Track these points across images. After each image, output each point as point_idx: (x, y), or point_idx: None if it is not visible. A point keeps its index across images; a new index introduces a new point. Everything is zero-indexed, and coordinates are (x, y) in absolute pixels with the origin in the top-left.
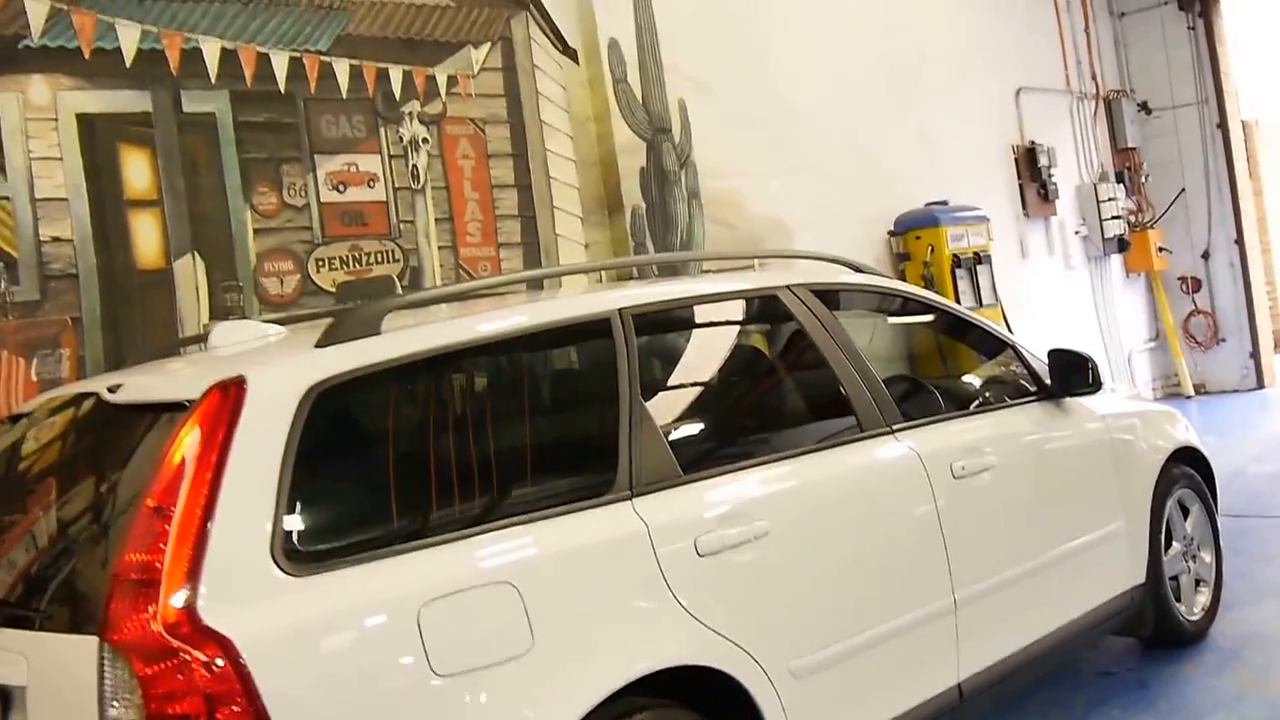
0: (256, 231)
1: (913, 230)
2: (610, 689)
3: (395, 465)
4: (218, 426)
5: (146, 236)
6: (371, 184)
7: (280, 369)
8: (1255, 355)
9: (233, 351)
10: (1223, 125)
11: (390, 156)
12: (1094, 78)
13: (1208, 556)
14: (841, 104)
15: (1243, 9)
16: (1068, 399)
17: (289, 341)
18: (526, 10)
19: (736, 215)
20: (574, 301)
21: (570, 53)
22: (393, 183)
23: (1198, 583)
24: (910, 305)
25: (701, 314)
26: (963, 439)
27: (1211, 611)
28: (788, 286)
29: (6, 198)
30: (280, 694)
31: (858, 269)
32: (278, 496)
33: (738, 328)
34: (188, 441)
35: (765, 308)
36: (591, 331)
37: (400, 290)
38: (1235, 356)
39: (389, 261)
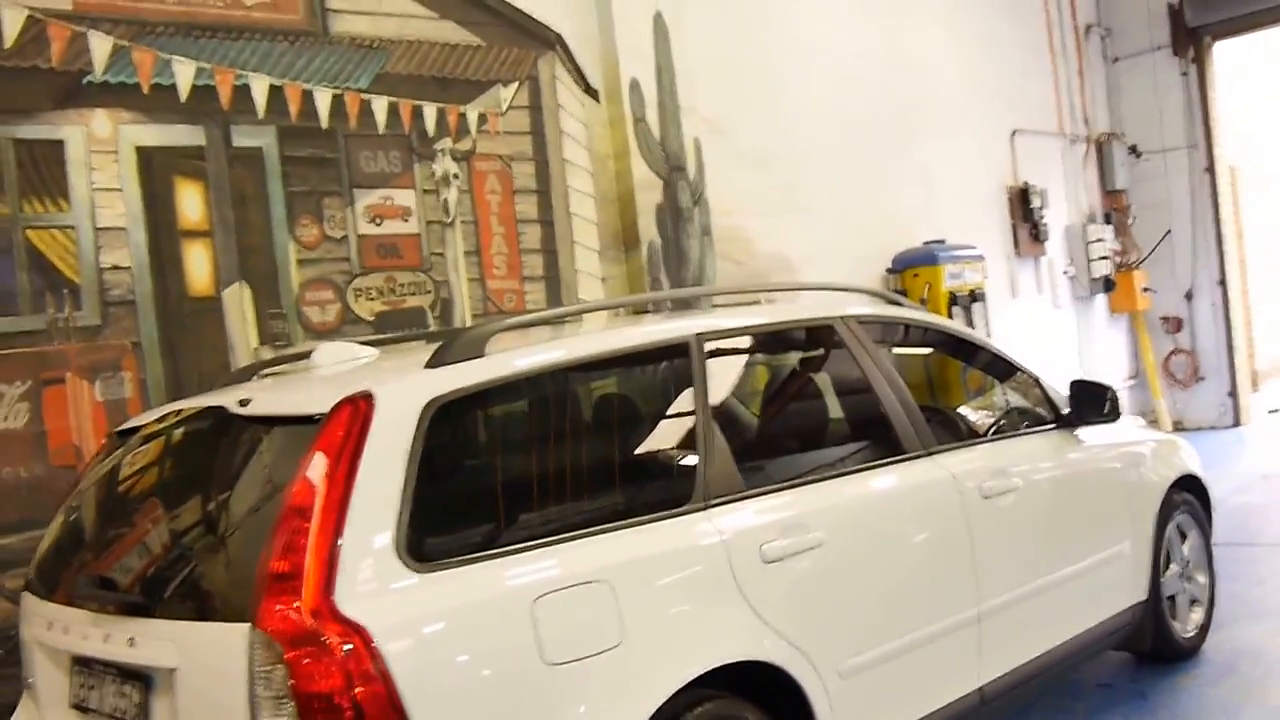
0: (299, 262)
1: (911, 268)
2: (686, 679)
3: (502, 474)
4: (349, 437)
5: (198, 265)
6: (406, 218)
7: (401, 386)
8: (1233, 394)
9: (335, 370)
10: (1211, 169)
11: (423, 191)
12: (1086, 121)
13: (1202, 578)
14: (844, 145)
15: (1229, 56)
16: (1085, 427)
17: (394, 362)
18: (553, 50)
19: (744, 252)
20: (656, 327)
21: (593, 92)
22: (425, 217)
23: (1192, 602)
24: (942, 337)
25: (766, 341)
26: (991, 462)
27: (1204, 629)
28: (841, 318)
29: (71, 226)
30: (409, 675)
31: (896, 302)
32: (402, 501)
33: (795, 354)
34: (323, 451)
35: (821, 337)
36: (671, 354)
37: (432, 321)
38: (1214, 395)
39: (421, 293)
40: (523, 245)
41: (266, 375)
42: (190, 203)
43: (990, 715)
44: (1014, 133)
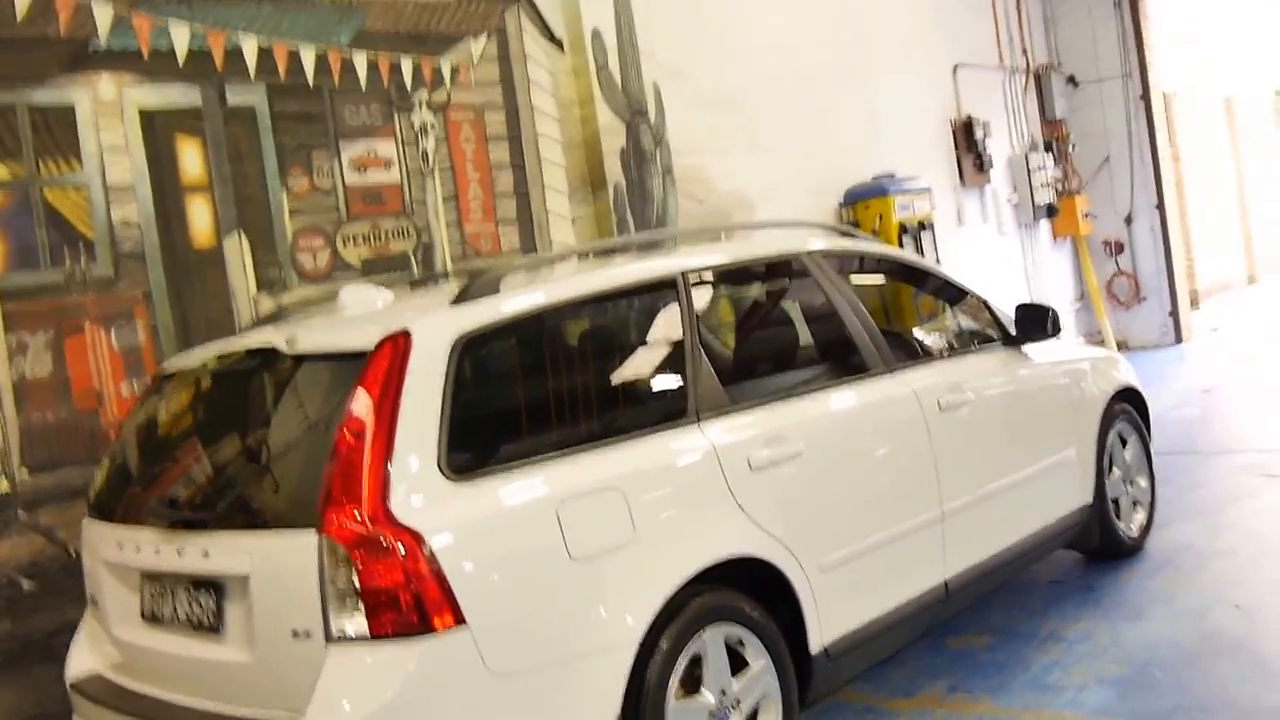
0: (292, 212)
1: (862, 200)
2: (692, 571)
3: (523, 397)
4: (393, 369)
5: (200, 218)
6: (388, 167)
7: (433, 322)
8: (1174, 313)
9: (362, 311)
10: (1145, 97)
11: (403, 142)
12: (1025, 53)
13: (1143, 482)
14: (797, 84)
15: None
16: (1030, 344)
17: (416, 301)
18: (518, 3)
19: (704, 190)
20: (647, 265)
21: (557, 42)
22: (406, 166)
23: (1135, 504)
24: (895, 265)
25: (742, 275)
26: (946, 378)
27: (1146, 529)
28: (807, 252)
29: (83, 185)
30: (457, 569)
31: (852, 235)
32: (440, 422)
33: (768, 286)
34: (371, 381)
35: (790, 270)
36: (662, 288)
37: (415, 265)
38: (1155, 314)
39: (405, 238)
40: (496, 190)
41: (295, 316)
42: (190, 159)
43: (954, 607)
44: (956, 66)
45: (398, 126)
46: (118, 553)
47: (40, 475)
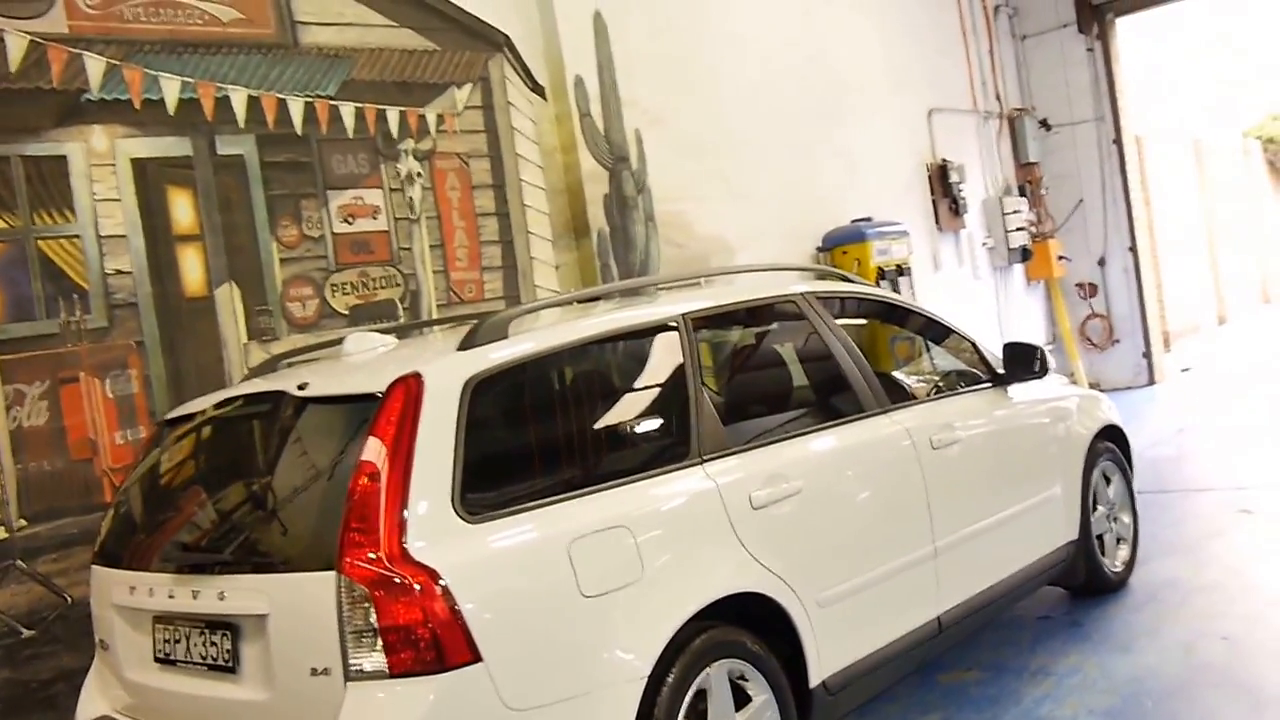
0: (281, 261)
1: (840, 245)
2: (698, 607)
3: (533, 438)
4: (406, 411)
5: (191, 267)
6: (375, 216)
7: (444, 366)
8: (1148, 355)
9: (366, 356)
10: (1118, 140)
11: (390, 190)
12: (998, 97)
13: (1126, 518)
14: (775, 131)
15: (1133, 32)
16: (1017, 383)
17: (420, 346)
18: (501, 52)
19: (685, 235)
20: (649, 310)
21: (540, 90)
22: (393, 214)
23: (1119, 540)
24: (885, 306)
25: (739, 317)
26: (938, 417)
27: (1130, 564)
28: (802, 294)
29: (77, 235)
30: (473, 607)
31: (848, 279)
32: (453, 463)
33: (767, 327)
34: (386, 423)
35: (786, 311)
36: (664, 332)
37: (401, 312)
38: (1129, 356)
39: (392, 286)
40: (482, 237)
41: (290, 365)
42: (181, 209)
43: (946, 642)
44: (931, 111)
45: (384, 175)
46: (129, 597)
47: (37, 524)
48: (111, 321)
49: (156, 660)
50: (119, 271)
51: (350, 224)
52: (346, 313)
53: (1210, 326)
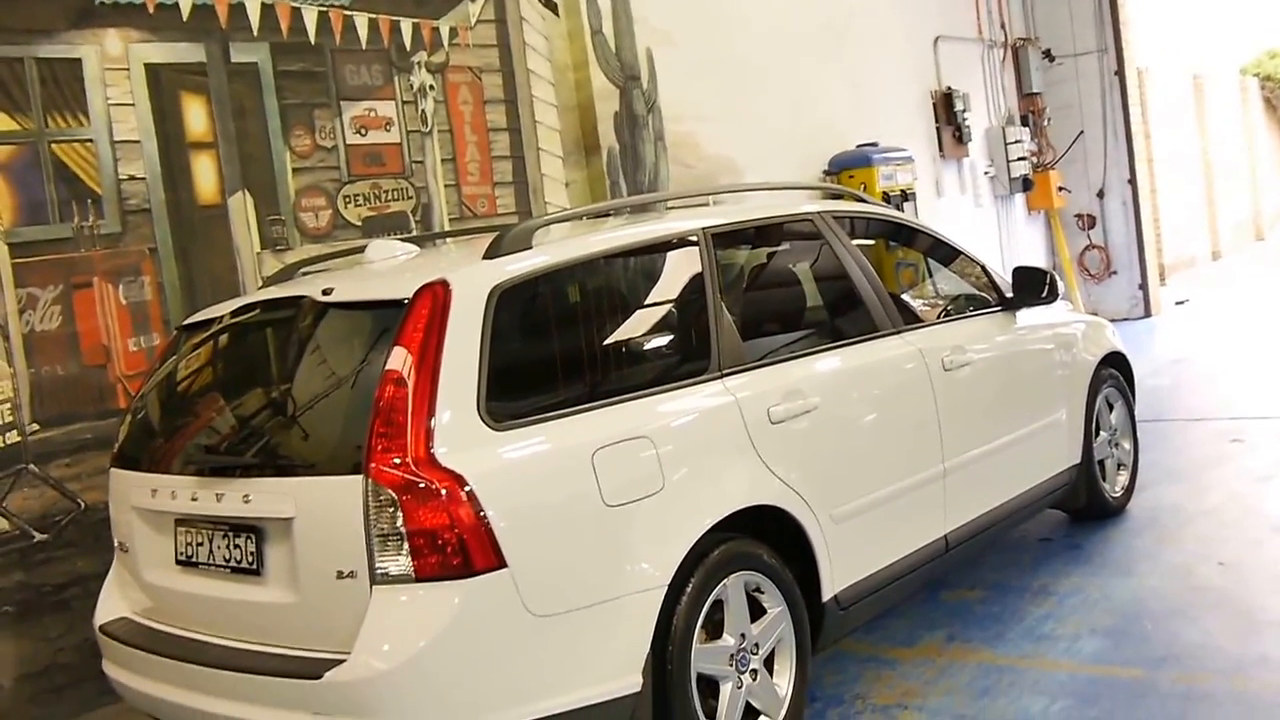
0: (294, 170)
1: (846, 169)
2: (716, 519)
3: (557, 348)
4: (433, 317)
5: (204, 175)
6: (388, 128)
7: (470, 274)
8: (1144, 286)
9: (389, 264)
10: (1120, 72)
11: (403, 102)
12: (1003, 27)
13: (1127, 444)
14: (782, 55)
15: None
16: (1026, 309)
17: (444, 255)
18: None
19: (693, 156)
20: (670, 224)
21: (552, 6)
22: (405, 126)
23: (1119, 466)
24: (899, 228)
25: (758, 234)
26: (949, 340)
27: (1130, 490)
28: (818, 213)
29: (90, 140)
30: (498, 513)
31: (862, 199)
32: (479, 371)
33: (785, 245)
34: (413, 328)
35: (805, 230)
36: (684, 246)
37: (414, 226)
38: (1125, 288)
39: (404, 198)
40: (494, 152)
41: (307, 273)
42: (195, 116)
43: (953, 561)
44: (937, 39)
45: (397, 87)
46: (150, 500)
47: (50, 429)
48: (125, 227)
49: (178, 563)
50: (132, 177)
51: (363, 135)
52: (359, 224)
53: (1205, 261)
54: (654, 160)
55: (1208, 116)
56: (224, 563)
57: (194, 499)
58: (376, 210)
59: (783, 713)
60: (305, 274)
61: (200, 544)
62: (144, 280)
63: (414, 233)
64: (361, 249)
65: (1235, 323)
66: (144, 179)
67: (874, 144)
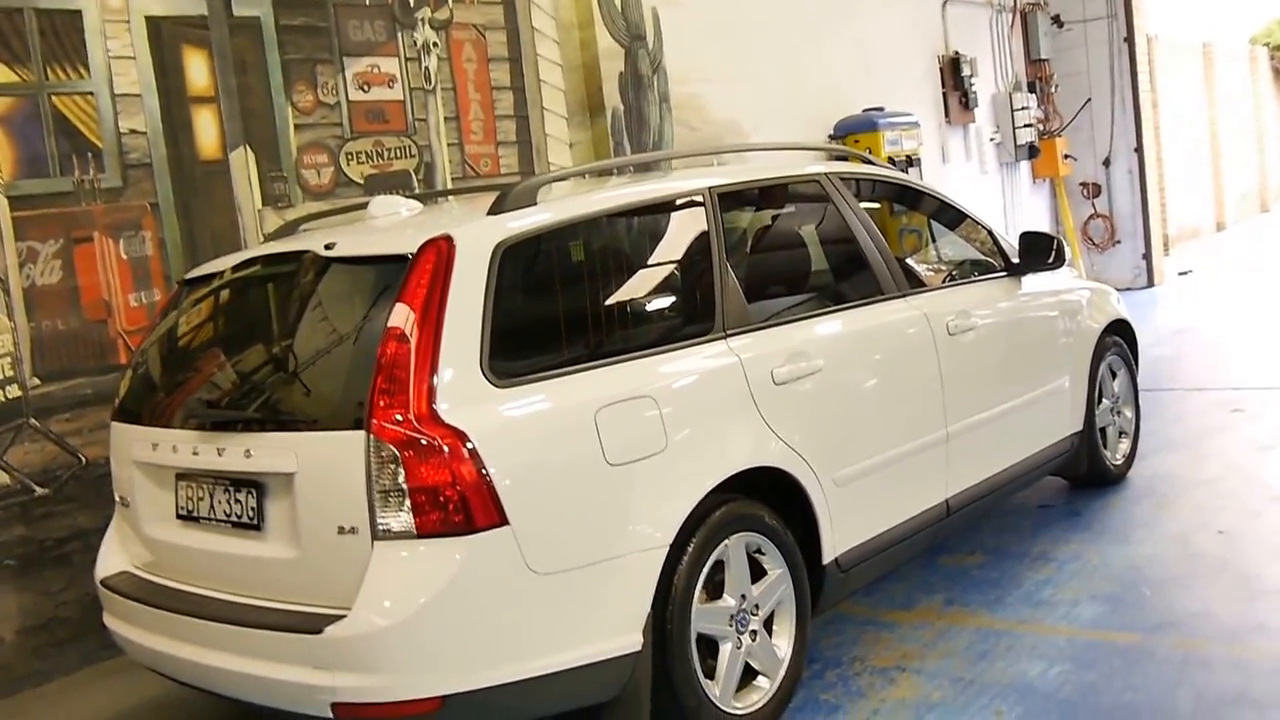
0: (297, 127)
1: (852, 134)
2: (718, 480)
3: (562, 305)
4: (437, 273)
5: (206, 130)
6: (391, 84)
7: (474, 229)
8: (1147, 256)
9: (393, 220)
10: (1130, 39)
11: (406, 59)
12: None
13: (1129, 412)
14: (789, 17)
15: None
16: (1032, 274)
17: (448, 212)
18: None
19: (698, 118)
20: (676, 183)
21: None
22: (408, 84)
23: (1120, 434)
24: (908, 192)
25: (764, 194)
26: (954, 304)
27: (1130, 458)
28: (825, 174)
29: (91, 93)
30: (501, 470)
31: (870, 161)
32: (483, 327)
33: (789, 206)
34: (417, 283)
35: (809, 191)
36: (689, 205)
37: (417, 184)
38: (1129, 257)
39: (407, 156)
40: (497, 111)
41: (309, 228)
42: (197, 70)
43: (954, 525)
44: (945, 2)
45: (401, 44)
46: (151, 454)
47: (50, 383)
48: (126, 181)
49: (179, 517)
50: (133, 131)
51: (366, 92)
52: (361, 181)
53: (1209, 232)
54: (659, 122)
55: (1216, 85)
56: (225, 517)
57: (195, 453)
58: (379, 168)
59: (781, 673)
60: (307, 229)
61: (201, 498)
62: (145, 235)
63: (417, 191)
64: (364, 205)
65: (1238, 294)
66: (145, 133)
67: (880, 109)
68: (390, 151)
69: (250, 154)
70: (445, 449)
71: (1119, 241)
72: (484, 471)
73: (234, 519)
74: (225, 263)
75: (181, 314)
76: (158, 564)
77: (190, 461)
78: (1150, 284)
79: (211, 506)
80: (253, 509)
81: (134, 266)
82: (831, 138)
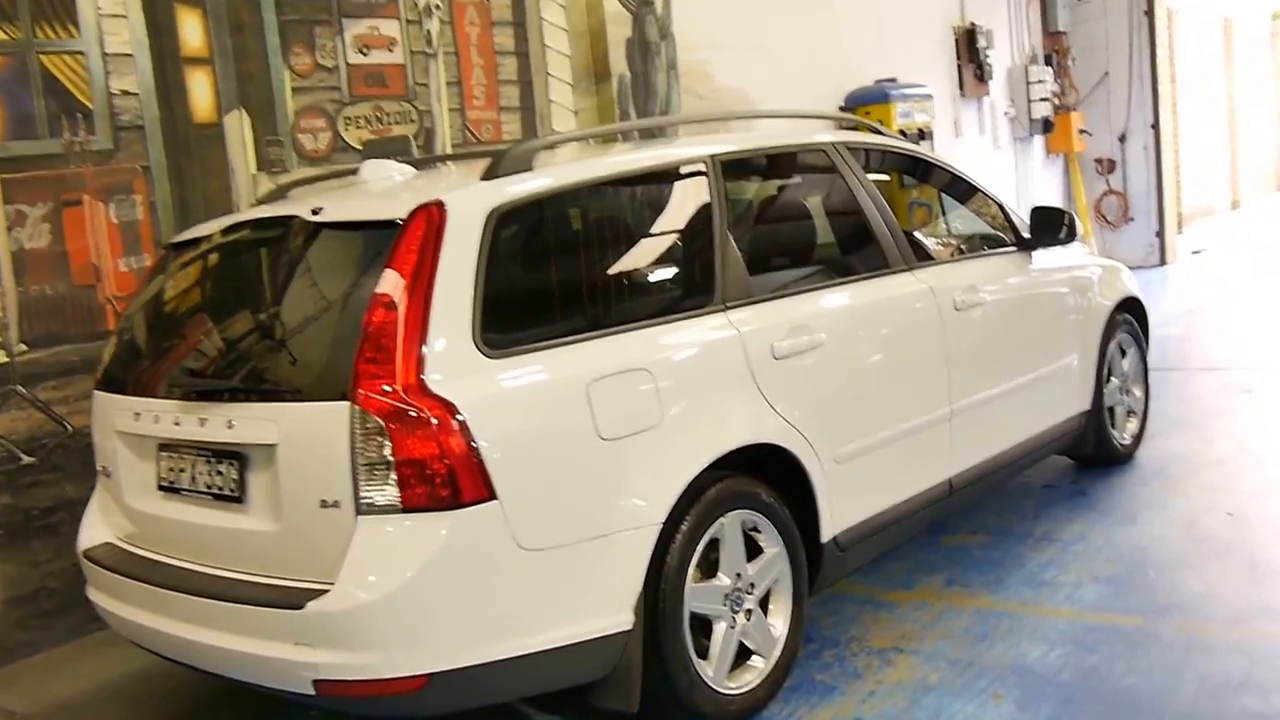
0: (294, 90)
1: (863, 105)
2: (714, 456)
3: (556, 275)
4: (427, 239)
5: (200, 92)
6: (391, 48)
7: (467, 195)
8: (1160, 234)
9: (384, 184)
10: (1150, 12)
11: (407, 22)
12: None
13: (1138, 391)
14: None
15: None
16: (1042, 249)
17: (440, 176)
18: None
19: (706, 86)
20: (676, 150)
21: None
22: (409, 47)
23: (1129, 413)
24: (918, 163)
25: (769, 163)
26: (962, 279)
27: (1139, 438)
28: (832, 143)
29: (81, 52)
30: (490, 443)
31: (880, 131)
32: (474, 296)
33: (795, 175)
34: (406, 250)
35: (817, 160)
36: (691, 174)
37: (416, 150)
38: (1142, 235)
39: (406, 122)
40: (500, 76)
41: (298, 193)
42: (190, 30)
43: (956, 505)
44: None
45: (401, 6)
46: (133, 423)
47: (38, 349)
48: (116, 144)
49: (160, 488)
50: (125, 92)
51: (365, 55)
52: (360, 147)
53: (1224, 210)
54: (666, 89)
55: (1236, 60)
56: (206, 489)
57: (177, 424)
58: (378, 133)
59: (777, 653)
60: (297, 194)
61: (183, 469)
62: (135, 199)
63: (415, 156)
64: (357, 170)
65: (1251, 274)
66: (137, 94)
67: (892, 80)
68: (390, 117)
69: (245, 117)
70: (433, 421)
71: (1132, 219)
72: (473, 445)
73: (215, 491)
74: (211, 227)
75: (166, 280)
76: (140, 535)
77: (172, 432)
78: (1163, 262)
79: (193, 478)
80: (234, 481)
81: (124, 231)
82: (842, 109)
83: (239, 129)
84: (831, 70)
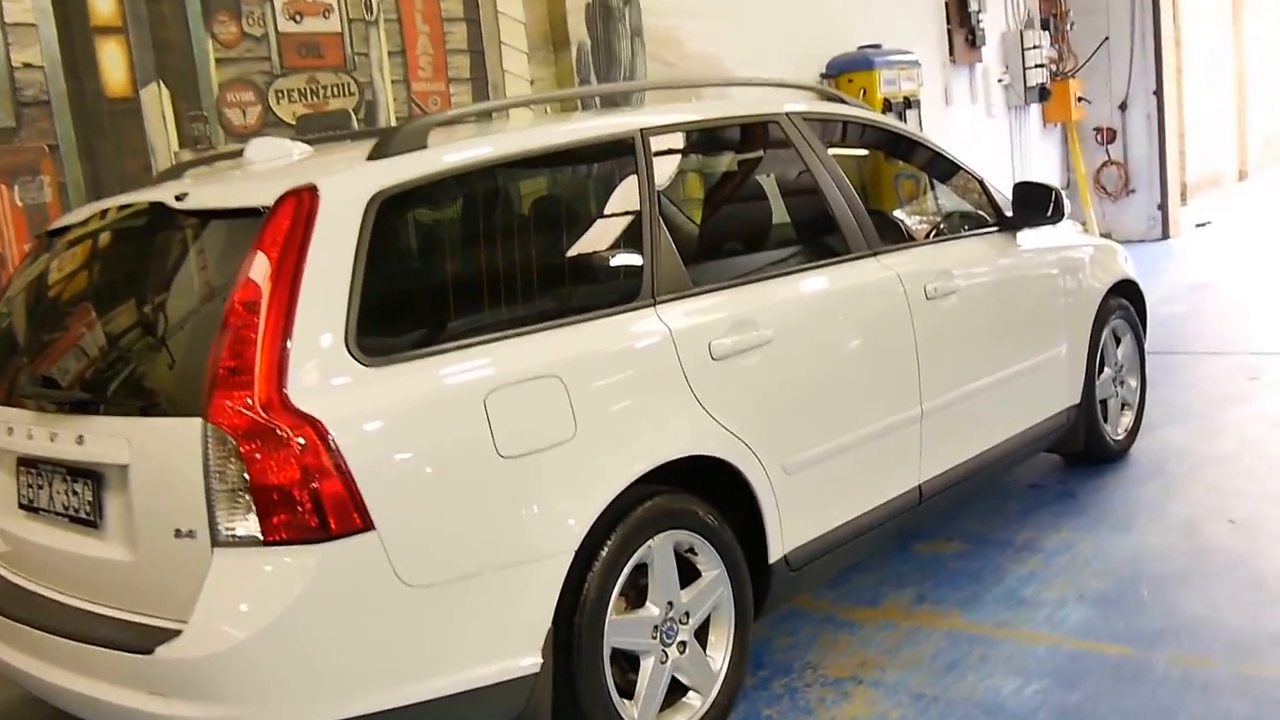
0: (218, 61)
1: (845, 73)
2: (639, 473)
3: (450, 270)
4: (295, 230)
5: (113, 64)
6: (327, 15)
7: (345, 178)
8: (1163, 206)
9: (271, 165)
10: None
11: None
12: None
13: (1133, 382)
14: None
15: None
16: (1028, 229)
17: (333, 156)
18: None
19: (675, 53)
20: (599, 122)
21: None
22: (347, 14)
23: (1123, 406)
24: (887, 136)
25: (710, 138)
26: (935, 264)
27: (1134, 432)
28: (786, 114)
29: None
30: (365, 466)
31: (843, 100)
32: (350, 294)
33: (739, 152)
34: (269, 243)
35: (765, 134)
36: (617, 150)
37: (356, 124)
38: (1143, 207)
39: (345, 95)
40: (448, 45)
41: (197, 172)
42: None
43: (927, 513)
44: None
45: None
46: None
47: None
48: (20, 121)
49: (20, 507)
50: (28, 65)
51: (298, 22)
52: (294, 122)
53: (1230, 181)
54: (630, 57)
55: (1244, 22)
56: (63, 510)
57: (30, 436)
58: (314, 107)
59: (716, 689)
60: (194, 174)
61: (41, 487)
62: (43, 180)
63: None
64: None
65: (1259, 248)
66: (41, 67)
67: (877, 46)
68: (326, 89)
69: (164, 91)
70: (299, 441)
71: (1133, 190)
72: (345, 468)
73: (71, 513)
74: (81, 214)
75: (32, 274)
76: (6, 555)
77: (27, 446)
78: (1165, 236)
79: (50, 497)
80: (89, 503)
81: (30, 214)
82: (824, 76)
83: (157, 103)
84: (814, 35)
